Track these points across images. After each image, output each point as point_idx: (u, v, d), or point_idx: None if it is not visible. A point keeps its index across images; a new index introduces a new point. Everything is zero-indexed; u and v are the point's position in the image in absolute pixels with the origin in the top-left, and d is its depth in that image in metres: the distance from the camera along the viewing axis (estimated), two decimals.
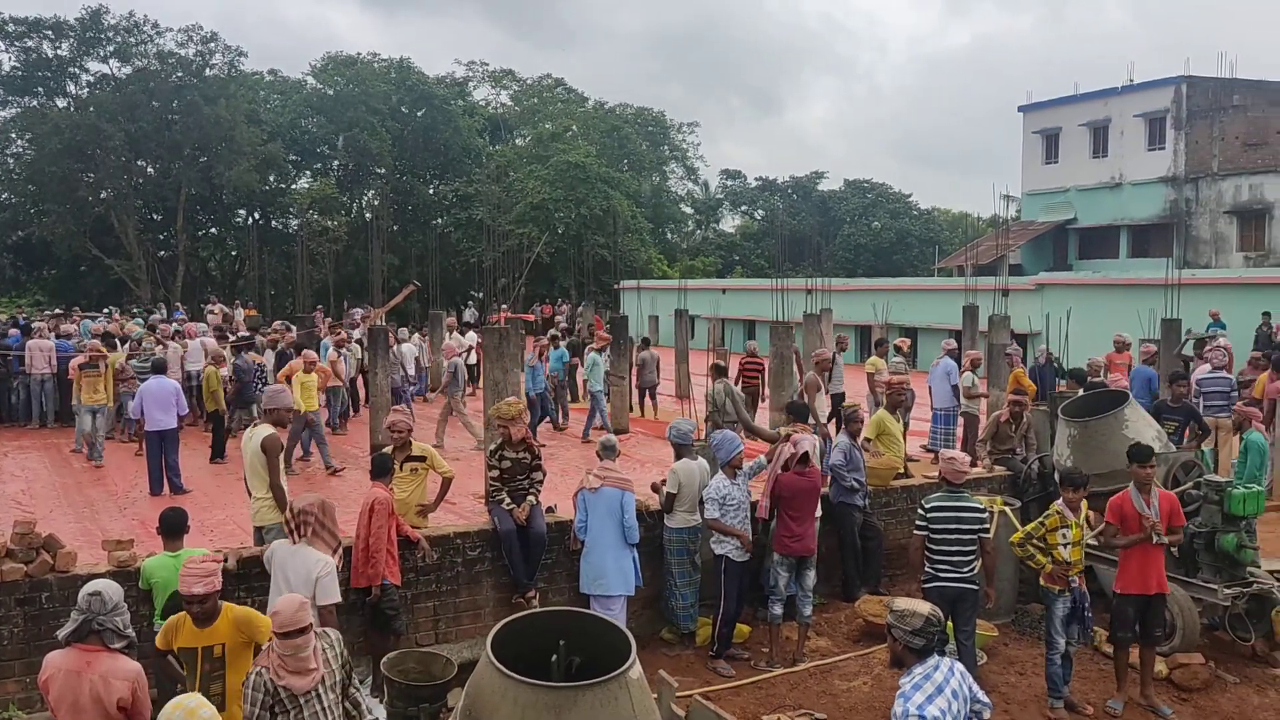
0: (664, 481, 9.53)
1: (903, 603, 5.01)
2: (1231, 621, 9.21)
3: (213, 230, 52.87)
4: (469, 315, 40.55)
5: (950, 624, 7.98)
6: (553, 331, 24.16)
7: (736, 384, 15.93)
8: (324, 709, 4.99)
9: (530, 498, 9.12)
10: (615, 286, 45.06)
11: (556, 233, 47.39)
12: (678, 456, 9.45)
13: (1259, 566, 9.65)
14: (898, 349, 18.63)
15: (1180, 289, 19.71)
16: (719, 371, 14.35)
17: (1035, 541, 8.25)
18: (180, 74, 46.21)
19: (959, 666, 4.94)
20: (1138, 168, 40.81)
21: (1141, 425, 10.26)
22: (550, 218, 47.52)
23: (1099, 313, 23.73)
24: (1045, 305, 24.65)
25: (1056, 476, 10.62)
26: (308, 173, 56.04)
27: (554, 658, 4.42)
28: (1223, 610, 9.16)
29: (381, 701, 7.08)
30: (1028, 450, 12.07)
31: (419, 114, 55.21)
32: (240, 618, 5.55)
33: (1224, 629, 9.27)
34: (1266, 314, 20.70)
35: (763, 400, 17.59)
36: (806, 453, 9.11)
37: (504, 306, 26.24)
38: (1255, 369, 14.55)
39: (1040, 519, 8.36)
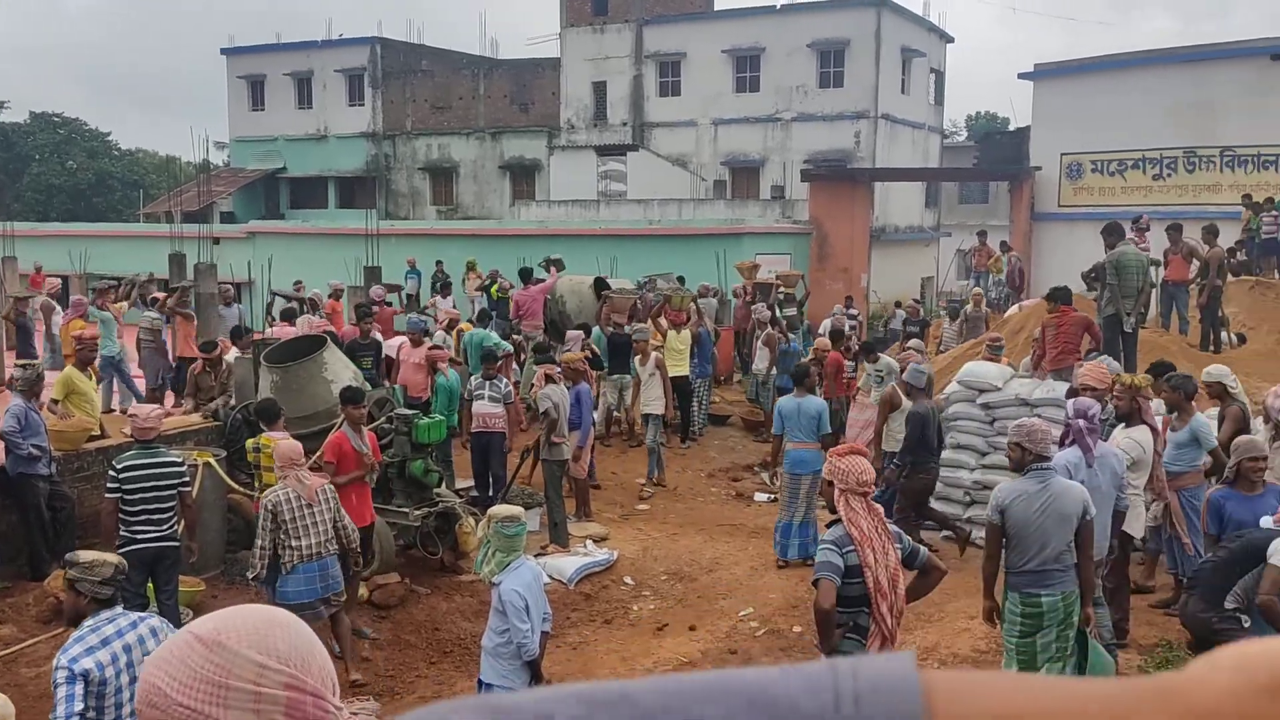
0: None
1: (87, 555, 4.93)
2: (422, 539, 10.16)
3: None
4: None
5: (151, 585, 7.67)
6: None
7: None
8: None
9: None
10: None
11: None
12: None
13: (447, 488, 10.83)
14: (156, 302, 17.34)
15: (380, 239, 21.18)
16: None
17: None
18: None
19: (153, 623, 4.88)
20: (341, 122, 42.57)
21: (339, 368, 10.74)
22: None
23: (310, 261, 24.46)
24: (257, 253, 24.64)
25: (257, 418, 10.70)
26: None
27: None
28: (415, 530, 10.06)
29: None
30: (230, 398, 11.94)
31: None
32: None
33: (417, 547, 10.19)
34: (439, 262, 22.69)
35: None
36: None
37: None
38: None
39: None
